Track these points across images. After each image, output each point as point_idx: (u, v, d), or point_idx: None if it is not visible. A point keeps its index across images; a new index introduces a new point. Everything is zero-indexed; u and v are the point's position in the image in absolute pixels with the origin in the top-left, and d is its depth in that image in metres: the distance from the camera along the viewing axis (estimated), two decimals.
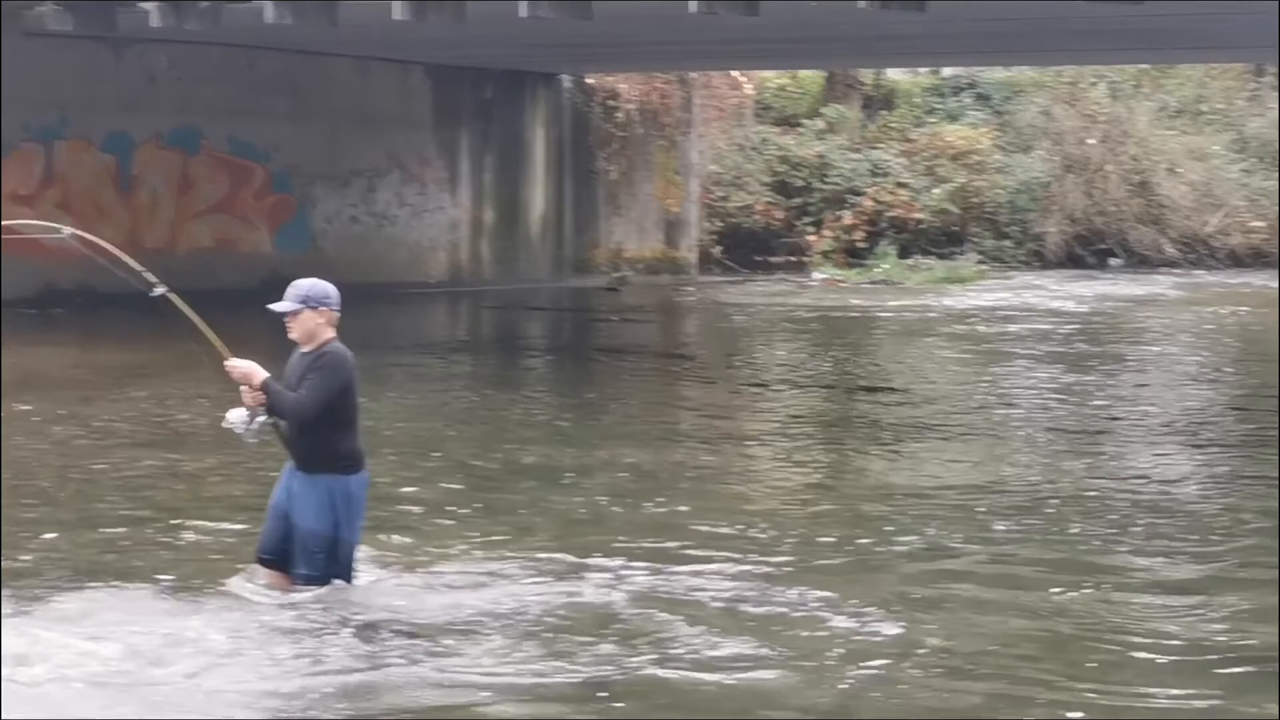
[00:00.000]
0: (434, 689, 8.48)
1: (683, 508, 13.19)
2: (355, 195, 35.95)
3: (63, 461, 14.87)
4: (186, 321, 9.62)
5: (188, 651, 8.88)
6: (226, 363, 9.61)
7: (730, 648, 9.21)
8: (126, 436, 16.45)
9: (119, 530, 12.05)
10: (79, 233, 10.01)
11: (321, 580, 9.76)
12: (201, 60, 31.98)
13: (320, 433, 9.60)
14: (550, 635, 9.37)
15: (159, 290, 9.78)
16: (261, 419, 9.68)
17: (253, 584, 9.96)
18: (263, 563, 9.94)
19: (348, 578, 9.87)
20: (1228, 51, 37.91)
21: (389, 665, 8.79)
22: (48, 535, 11.78)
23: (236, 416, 9.70)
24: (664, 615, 9.81)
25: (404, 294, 34.03)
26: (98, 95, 31.14)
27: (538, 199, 39.27)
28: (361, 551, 10.28)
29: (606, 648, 9.16)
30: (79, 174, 31.10)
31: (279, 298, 9.84)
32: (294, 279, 9.91)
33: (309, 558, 9.71)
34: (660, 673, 8.78)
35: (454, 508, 13.07)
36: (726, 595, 10.33)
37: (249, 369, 9.59)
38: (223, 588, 10.09)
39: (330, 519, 9.67)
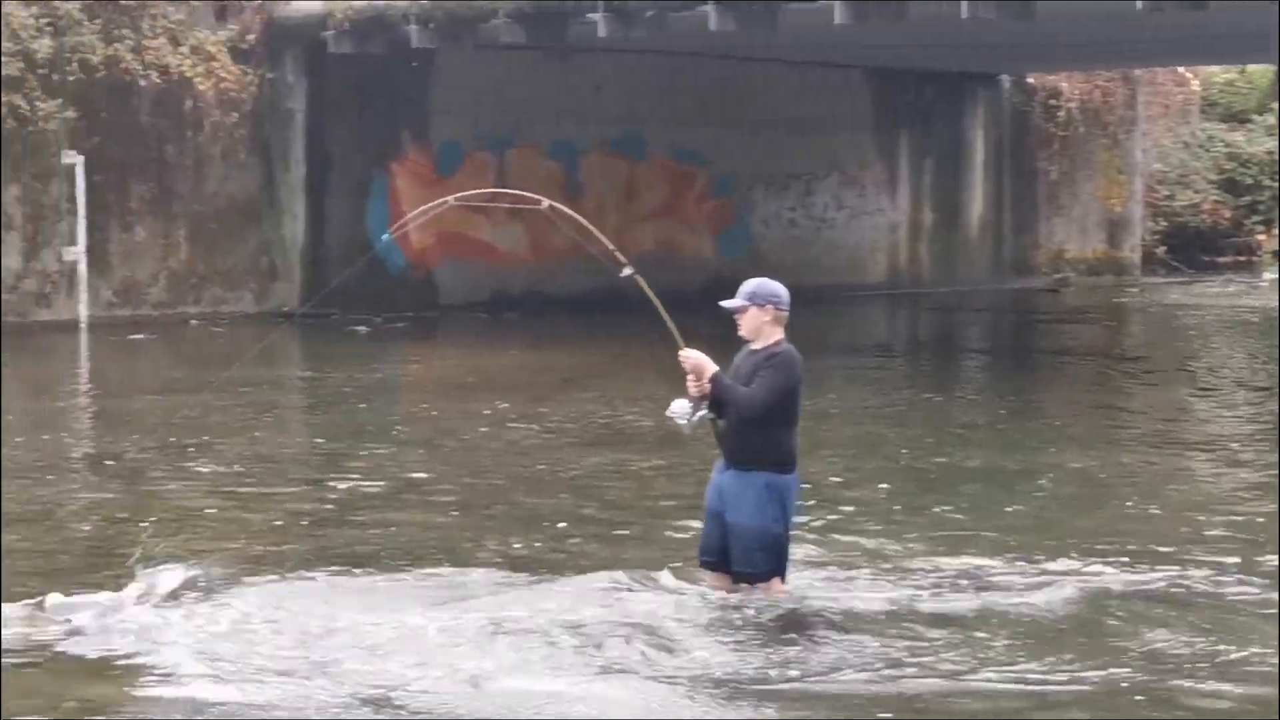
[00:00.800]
0: (889, 688, 8.43)
1: (1134, 512, 12.92)
2: (793, 199, 36.20)
3: (518, 461, 15.32)
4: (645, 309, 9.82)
5: (627, 641, 9.03)
6: (680, 352, 9.78)
7: (1242, 655, 8.92)
8: (576, 436, 16.86)
9: (565, 527, 12.37)
10: (558, 205, 10.32)
11: (761, 577, 9.84)
12: (644, 68, 32.60)
13: (762, 429, 9.69)
14: (1016, 638, 9.22)
15: (627, 271, 10.02)
16: (703, 412, 9.80)
17: (691, 582, 10.09)
18: (705, 565, 10.05)
19: (784, 575, 9.95)
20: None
21: (829, 666, 8.76)
22: (502, 531, 12.17)
23: (679, 407, 9.84)
24: (1149, 618, 9.56)
25: (842, 296, 34.09)
26: (545, 104, 32.00)
27: (977, 200, 38.94)
28: (802, 551, 10.31)
29: (1101, 652, 8.96)
30: (529, 181, 31.81)
31: (722, 299, 10.02)
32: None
33: (748, 555, 9.77)
34: (1181, 683, 8.49)
35: (897, 509, 13.03)
36: (1217, 599, 10.07)
37: (700, 361, 9.73)
38: (659, 583, 10.22)
39: (768, 514, 9.72)
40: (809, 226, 36.46)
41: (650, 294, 9.79)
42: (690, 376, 9.72)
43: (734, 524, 9.76)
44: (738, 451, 9.75)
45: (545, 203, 10.36)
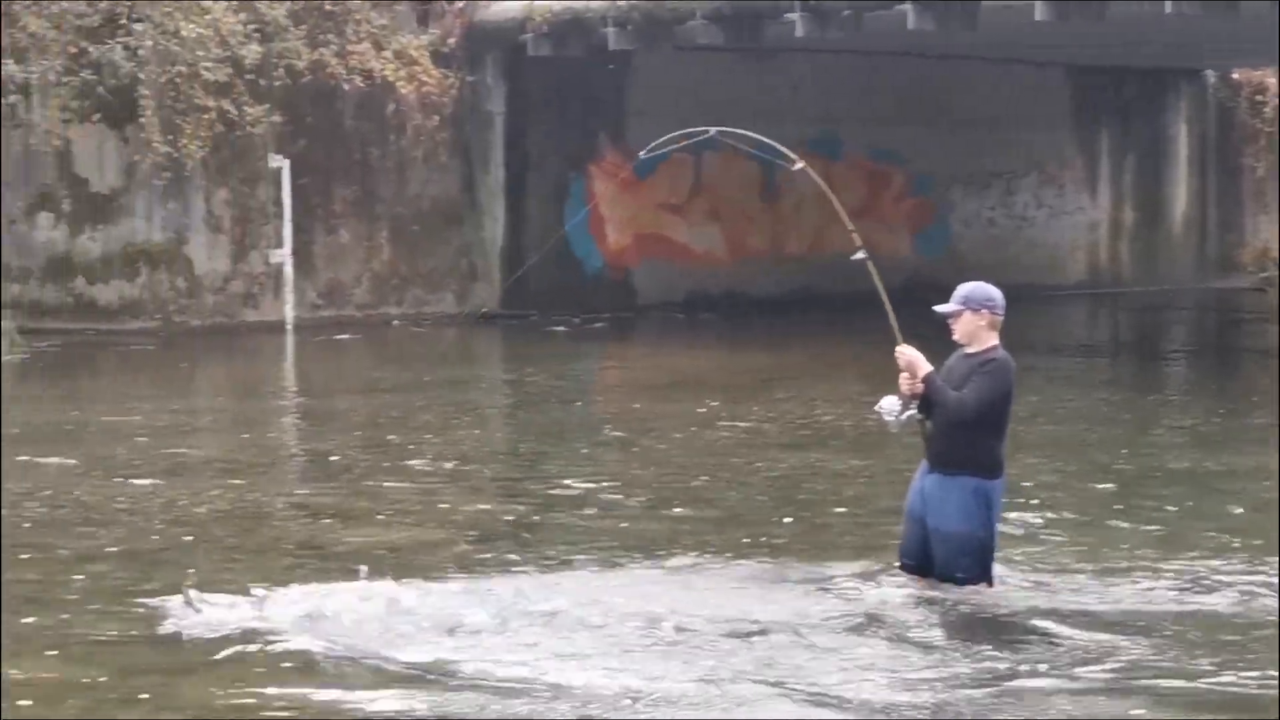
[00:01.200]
0: (1088, 697, 8.31)
1: None
2: (993, 198, 35.95)
3: (715, 461, 15.37)
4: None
5: (807, 640, 9.02)
6: (897, 348, 9.75)
7: None
8: (773, 437, 16.90)
9: (761, 526, 12.39)
10: (808, 168, 10.38)
11: (970, 582, 9.76)
12: (841, 68, 32.54)
13: (971, 434, 9.60)
14: (1212, 645, 9.09)
15: (859, 255, 10.06)
16: (911, 411, 9.76)
17: (885, 582, 10.09)
18: (905, 569, 10.01)
19: (990, 580, 9.90)
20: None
21: (1033, 672, 8.65)
22: (700, 532, 12.24)
23: (889, 404, 9.80)
24: None
25: (1041, 296, 33.74)
26: (742, 105, 31.98)
27: (1180, 198, 38.39)
28: (1001, 555, 10.26)
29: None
30: (726, 183, 32.08)
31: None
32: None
33: (953, 560, 9.71)
34: None
35: (1099, 512, 12.90)
36: None
37: (915, 359, 9.69)
38: (854, 583, 10.22)
39: (973, 520, 9.65)
40: (1008, 225, 36.19)
41: (879, 285, 9.82)
42: (904, 374, 9.69)
43: (936, 530, 9.72)
44: (944, 454, 9.69)
45: (799, 163, 10.42)
